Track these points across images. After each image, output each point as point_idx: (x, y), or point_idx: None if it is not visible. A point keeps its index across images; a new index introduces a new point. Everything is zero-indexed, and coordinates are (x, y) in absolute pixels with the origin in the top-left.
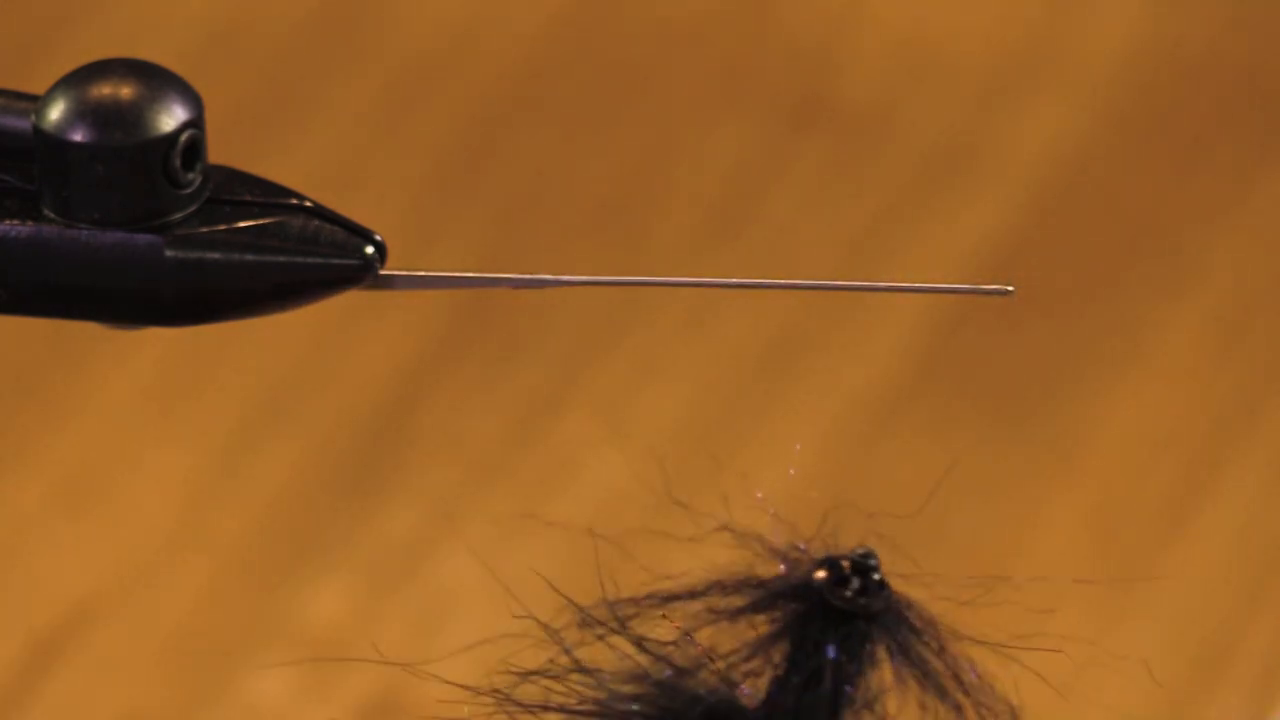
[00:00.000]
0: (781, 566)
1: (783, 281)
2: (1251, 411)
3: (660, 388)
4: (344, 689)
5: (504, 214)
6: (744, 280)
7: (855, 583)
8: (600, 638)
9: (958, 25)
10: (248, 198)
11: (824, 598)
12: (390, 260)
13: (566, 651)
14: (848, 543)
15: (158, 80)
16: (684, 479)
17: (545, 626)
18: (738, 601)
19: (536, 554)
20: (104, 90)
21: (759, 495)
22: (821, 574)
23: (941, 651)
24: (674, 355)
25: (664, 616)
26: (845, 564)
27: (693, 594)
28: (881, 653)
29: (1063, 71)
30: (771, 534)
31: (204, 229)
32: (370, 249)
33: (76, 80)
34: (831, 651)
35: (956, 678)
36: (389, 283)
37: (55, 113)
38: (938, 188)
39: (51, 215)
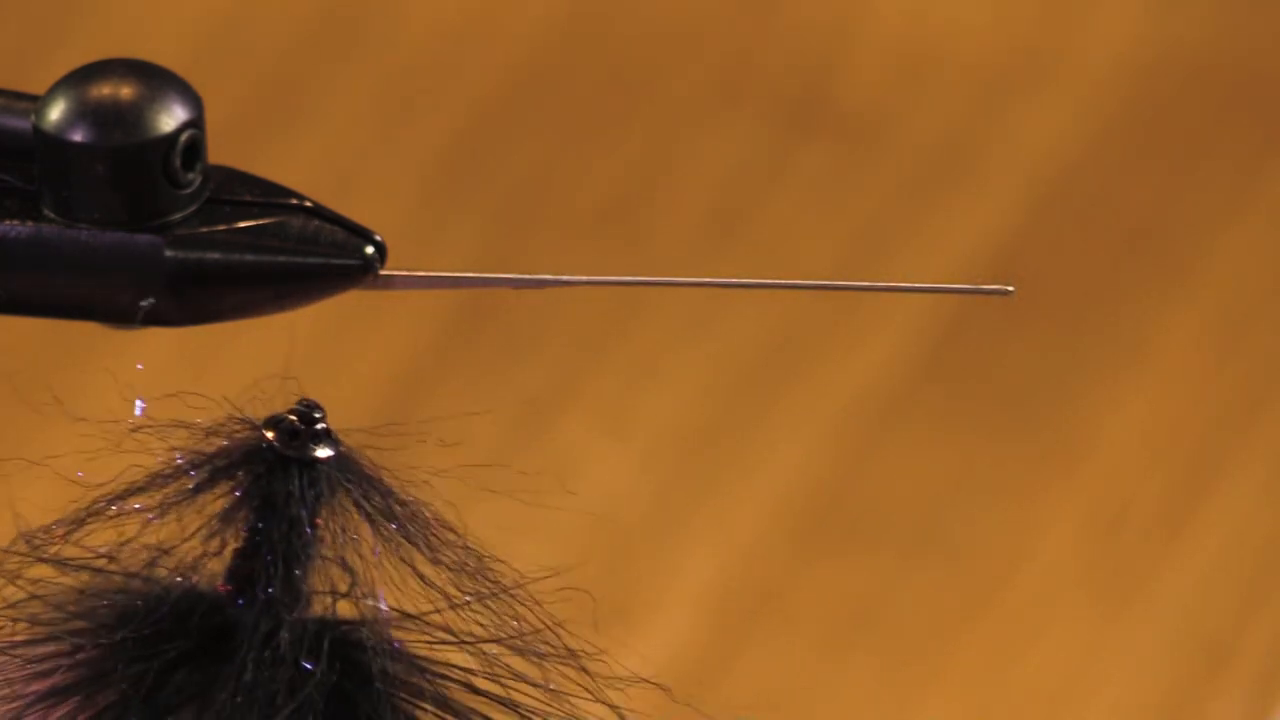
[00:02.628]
0: (221, 440)
1: (783, 281)
2: (1251, 411)
3: (660, 388)
4: None
5: (504, 214)
6: (744, 280)
7: (305, 432)
8: (29, 570)
9: (958, 25)
10: (248, 198)
11: (278, 452)
12: (390, 260)
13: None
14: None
15: (158, 80)
16: (684, 479)
17: None
18: (186, 484)
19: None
20: (104, 90)
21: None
22: (270, 432)
23: (396, 496)
24: (674, 355)
25: (99, 525)
26: (291, 418)
27: (136, 491)
28: (341, 502)
29: (1063, 72)
30: (195, 419)
31: (204, 229)
32: (370, 249)
33: (76, 80)
34: (294, 505)
35: (413, 519)
36: (389, 283)
37: (55, 113)
38: (938, 188)
39: (51, 215)
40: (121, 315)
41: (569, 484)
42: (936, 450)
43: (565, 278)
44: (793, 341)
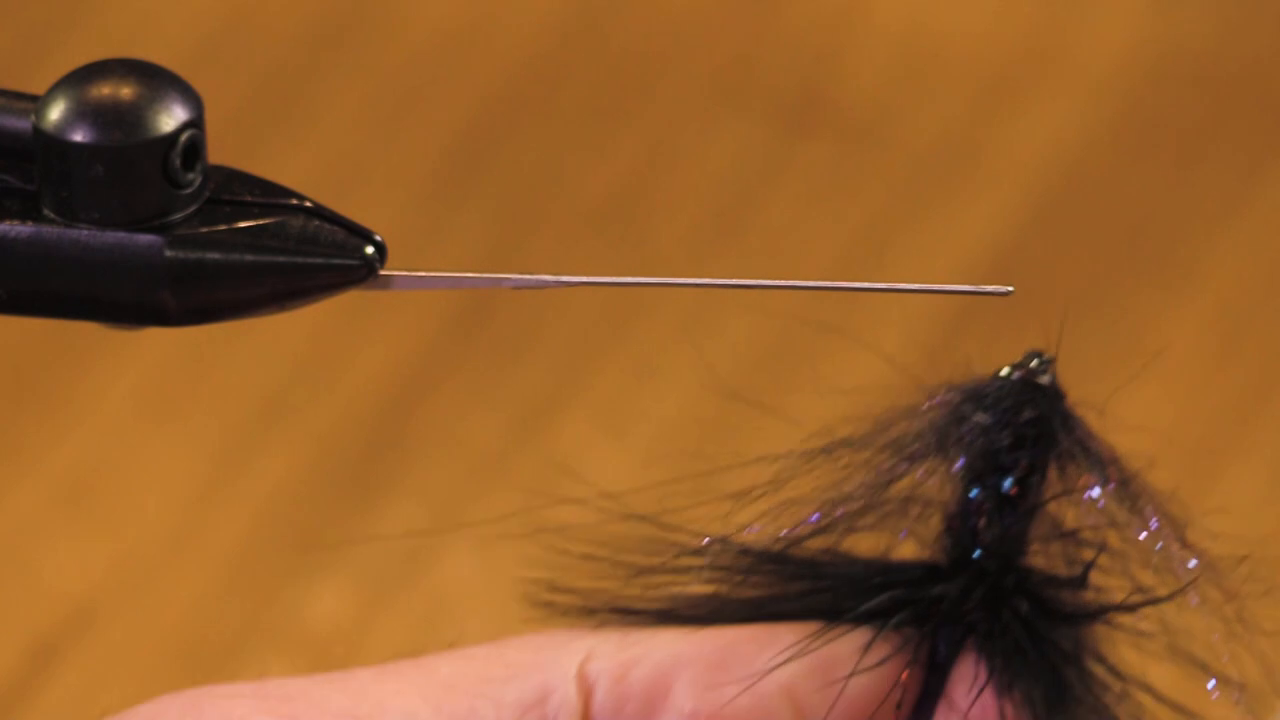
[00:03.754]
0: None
1: (783, 282)
2: (1252, 411)
3: (660, 388)
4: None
5: (504, 214)
6: (744, 280)
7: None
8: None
9: (958, 26)
10: (248, 198)
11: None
12: (390, 260)
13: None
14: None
15: (158, 80)
16: (684, 479)
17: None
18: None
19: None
20: (104, 90)
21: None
22: (1036, 363)
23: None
24: (674, 356)
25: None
26: (1033, 363)
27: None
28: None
29: (1063, 72)
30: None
31: (204, 229)
32: (370, 249)
33: (76, 80)
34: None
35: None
36: (389, 283)
37: (55, 113)
38: (938, 188)
39: (51, 215)
40: (121, 315)
41: (569, 483)
42: None
43: (565, 278)
44: (792, 342)
